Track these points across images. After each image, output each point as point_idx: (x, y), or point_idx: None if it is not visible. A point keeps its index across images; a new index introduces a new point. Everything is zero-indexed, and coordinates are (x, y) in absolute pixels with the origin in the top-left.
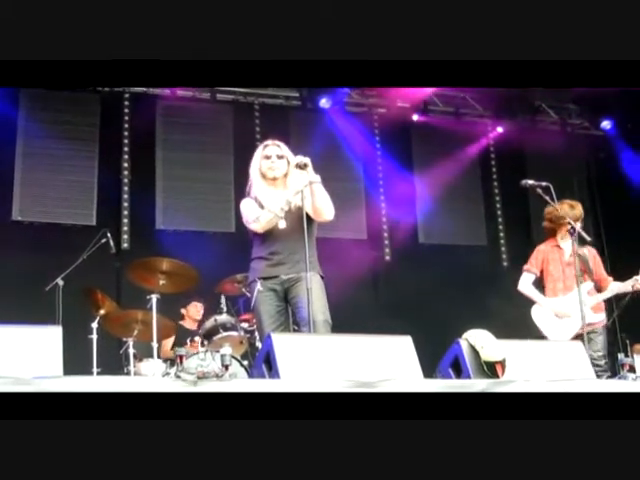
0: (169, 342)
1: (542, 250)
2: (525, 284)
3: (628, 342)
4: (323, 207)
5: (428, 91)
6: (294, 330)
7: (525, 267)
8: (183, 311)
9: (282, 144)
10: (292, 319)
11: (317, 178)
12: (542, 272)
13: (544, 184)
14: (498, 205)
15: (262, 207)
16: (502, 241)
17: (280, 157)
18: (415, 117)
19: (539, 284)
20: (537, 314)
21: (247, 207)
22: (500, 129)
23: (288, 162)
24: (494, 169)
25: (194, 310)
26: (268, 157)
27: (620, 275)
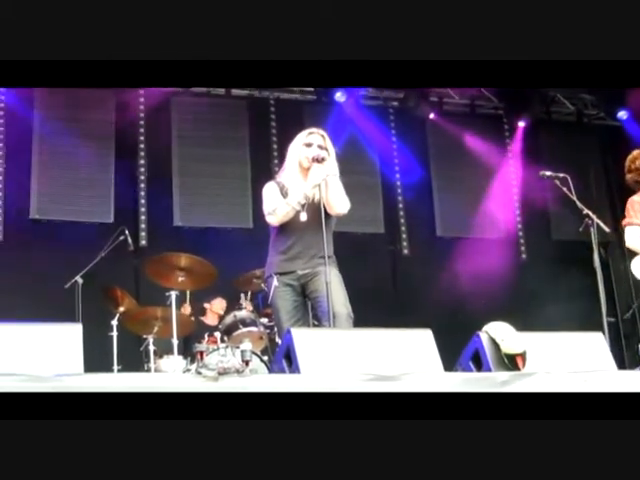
0: (220, 306)
1: (637, 201)
2: (632, 239)
3: None
4: (335, 200)
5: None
6: (314, 325)
7: (624, 222)
8: (207, 306)
9: (326, 135)
10: (312, 314)
11: (334, 171)
12: None
13: (561, 175)
14: (516, 198)
15: (286, 195)
16: (520, 233)
17: (321, 148)
18: (431, 115)
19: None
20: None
21: (268, 194)
22: (522, 123)
23: (328, 154)
24: (511, 161)
25: (218, 306)
26: (309, 145)
27: None
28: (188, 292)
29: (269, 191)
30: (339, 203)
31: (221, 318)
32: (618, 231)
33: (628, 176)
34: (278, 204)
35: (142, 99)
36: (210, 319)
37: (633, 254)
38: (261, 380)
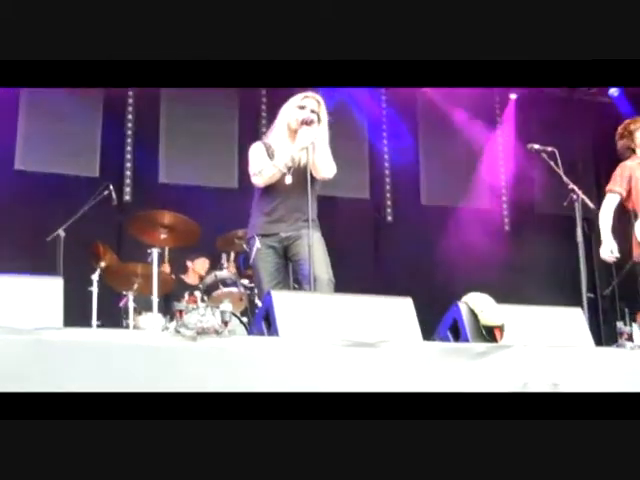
0: (203, 267)
1: (628, 166)
2: (605, 209)
3: (627, 311)
4: (322, 164)
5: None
6: (294, 288)
7: (608, 187)
8: (189, 264)
9: (322, 101)
10: (293, 277)
11: (324, 135)
12: (629, 193)
13: (549, 149)
14: (502, 170)
15: (273, 156)
16: (505, 205)
17: (313, 112)
18: None
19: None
20: None
21: (255, 154)
22: (514, 96)
23: (319, 120)
24: (499, 133)
25: (201, 266)
26: (302, 107)
27: (622, 244)
28: (167, 250)
29: (255, 152)
30: (325, 167)
31: (202, 278)
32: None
33: (620, 143)
34: (264, 165)
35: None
36: (191, 278)
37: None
38: (239, 341)
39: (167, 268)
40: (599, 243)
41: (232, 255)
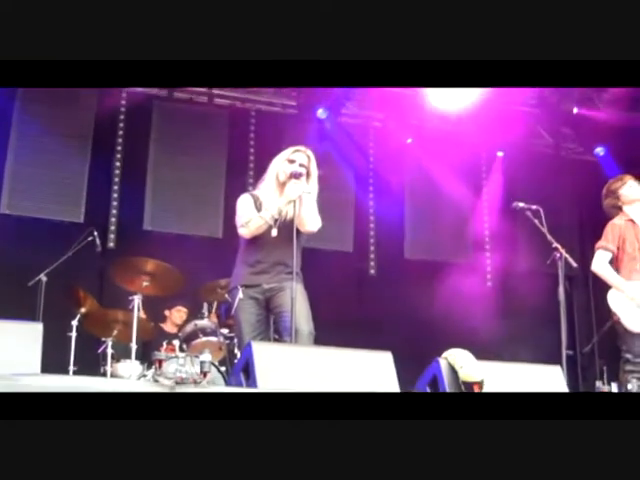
0: (179, 316)
1: (617, 225)
2: (600, 263)
3: (605, 369)
4: (307, 218)
5: (425, 112)
6: (274, 339)
7: (599, 244)
8: (167, 313)
9: (312, 157)
10: (274, 328)
11: (312, 189)
12: (618, 250)
13: (534, 207)
14: (486, 225)
15: (260, 208)
16: (488, 261)
17: (302, 166)
18: (409, 140)
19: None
20: (614, 299)
21: (242, 206)
22: (500, 153)
23: (308, 175)
24: (485, 190)
25: (177, 315)
26: (292, 161)
27: (602, 304)
28: (139, 299)
29: (243, 203)
30: (310, 221)
31: (180, 326)
32: (584, 266)
33: (605, 202)
34: (252, 217)
35: (123, 101)
36: (169, 327)
37: (601, 285)
38: (217, 392)
39: (143, 315)
40: (580, 301)
41: (214, 304)
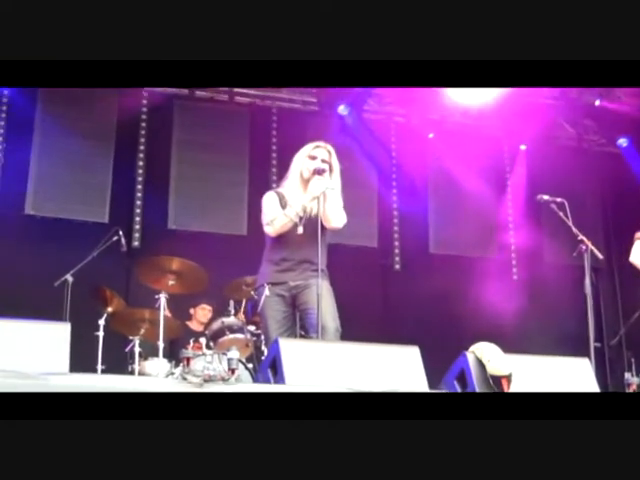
0: (203, 314)
1: None
2: (638, 254)
3: (633, 360)
4: (331, 215)
5: (447, 107)
6: (301, 336)
7: (637, 234)
8: (192, 311)
9: (333, 151)
10: (300, 325)
11: (335, 185)
12: None
13: (559, 200)
14: (510, 219)
15: (285, 205)
16: (513, 255)
17: (324, 162)
18: (431, 135)
19: None
20: None
21: (267, 203)
22: (523, 147)
23: (331, 170)
24: (509, 183)
25: (202, 313)
26: (313, 158)
27: (629, 295)
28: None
29: (268, 201)
30: (336, 217)
31: (206, 324)
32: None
33: None
34: (277, 215)
35: (145, 101)
36: (194, 325)
37: (627, 276)
38: (245, 389)
39: (169, 314)
40: (606, 293)
41: (243, 302)
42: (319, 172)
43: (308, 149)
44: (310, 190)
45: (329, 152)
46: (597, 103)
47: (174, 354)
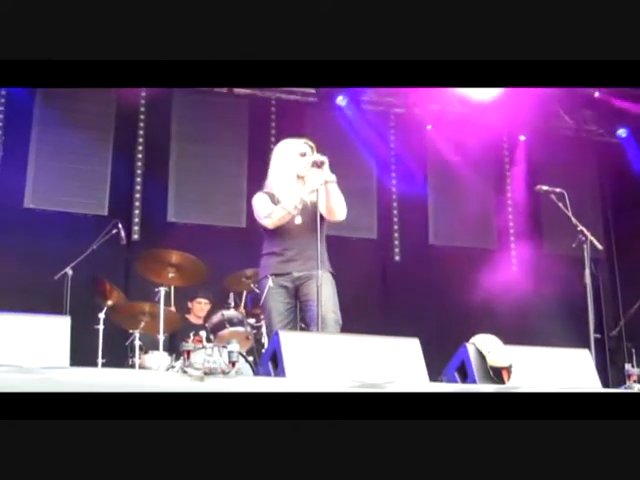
0: (200, 308)
1: None
2: None
3: (634, 351)
4: (336, 207)
5: (446, 97)
6: (301, 328)
7: None
8: (190, 305)
9: (314, 145)
10: (300, 316)
11: (333, 177)
12: None
13: (558, 190)
14: (510, 209)
15: (278, 202)
16: (513, 245)
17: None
18: (429, 126)
19: None
20: None
21: (259, 202)
22: (523, 137)
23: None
24: (508, 174)
25: (198, 307)
26: (304, 154)
27: (631, 287)
28: (172, 290)
29: (260, 199)
30: (339, 210)
31: (205, 317)
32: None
33: None
34: (274, 208)
35: (143, 93)
36: (193, 318)
37: (627, 267)
38: (246, 382)
39: (173, 308)
40: (606, 283)
41: (244, 295)
42: (318, 165)
43: (294, 147)
44: (309, 183)
45: (311, 147)
46: (596, 95)
47: (174, 347)
